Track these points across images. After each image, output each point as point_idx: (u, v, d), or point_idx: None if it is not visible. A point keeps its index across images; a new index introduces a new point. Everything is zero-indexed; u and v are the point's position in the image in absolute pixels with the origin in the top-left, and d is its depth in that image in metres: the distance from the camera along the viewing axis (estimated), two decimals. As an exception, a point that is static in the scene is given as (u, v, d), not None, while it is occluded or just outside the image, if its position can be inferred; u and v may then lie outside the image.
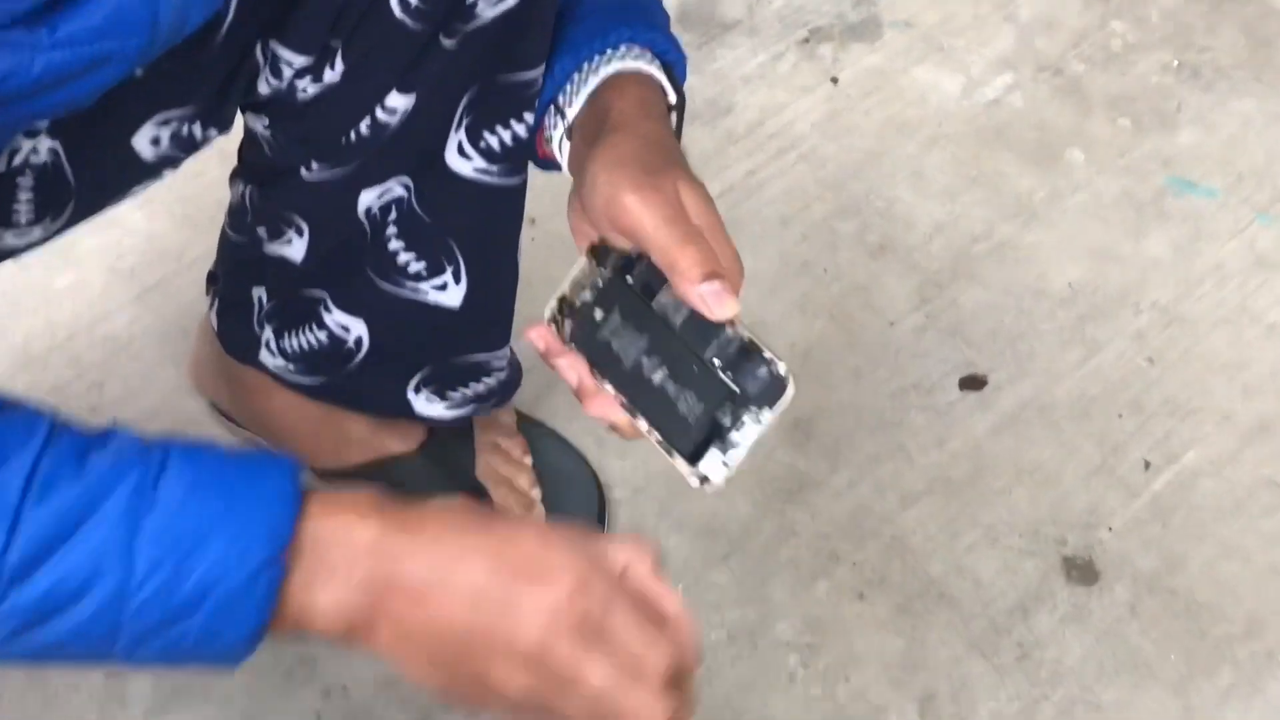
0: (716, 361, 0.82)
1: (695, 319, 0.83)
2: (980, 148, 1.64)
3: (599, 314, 0.87)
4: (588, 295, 0.88)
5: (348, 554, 0.73)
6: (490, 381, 1.18)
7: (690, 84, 1.66)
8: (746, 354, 0.82)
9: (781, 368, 0.81)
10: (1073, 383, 1.46)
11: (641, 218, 0.83)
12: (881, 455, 1.39)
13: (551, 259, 1.46)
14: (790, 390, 0.80)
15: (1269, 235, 1.58)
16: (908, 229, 1.56)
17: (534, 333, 0.88)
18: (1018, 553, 1.34)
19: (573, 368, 0.87)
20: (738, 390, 0.81)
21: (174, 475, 0.72)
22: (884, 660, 1.26)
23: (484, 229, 1.09)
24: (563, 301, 0.89)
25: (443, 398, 1.17)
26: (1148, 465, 1.41)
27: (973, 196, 1.59)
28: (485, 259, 1.10)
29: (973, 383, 1.45)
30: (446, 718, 1.18)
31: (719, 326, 0.82)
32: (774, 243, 1.54)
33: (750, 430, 0.81)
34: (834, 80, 1.67)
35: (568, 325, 0.88)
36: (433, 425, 1.21)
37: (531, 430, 1.30)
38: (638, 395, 0.85)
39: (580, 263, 0.89)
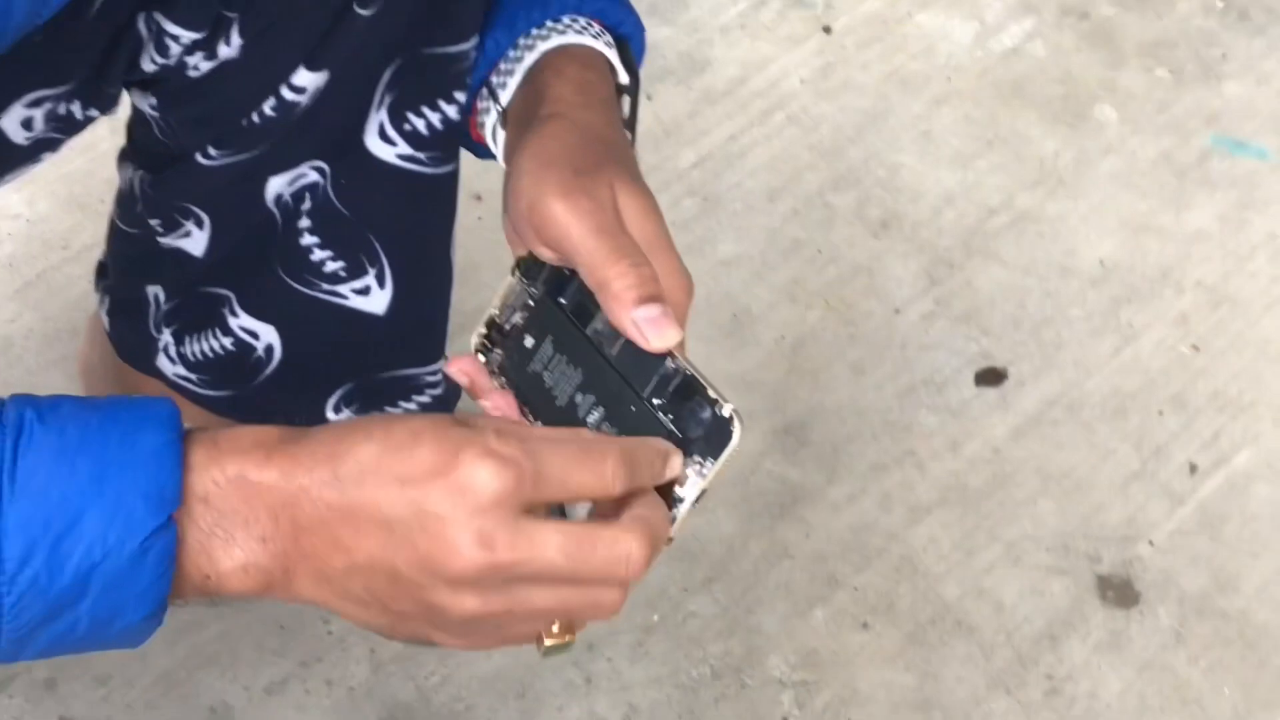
0: (655, 401, 0.81)
1: (633, 349, 0.82)
2: (997, 105, 1.63)
3: (529, 341, 0.87)
4: (518, 319, 0.87)
5: (245, 507, 0.74)
6: (423, 399, 1.18)
7: (661, 36, 1.66)
8: (688, 392, 0.81)
9: (726, 409, 0.80)
10: (1106, 375, 1.46)
11: (568, 228, 0.82)
12: (886, 463, 1.39)
13: (500, 242, 1.43)
14: (736, 436, 0.79)
15: (1330, 201, 1.59)
16: (914, 201, 1.56)
17: (455, 366, 0.87)
18: (1045, 572, 1.34)
19: (499, 408, 0.86)
20: (678, 434, 0.81)
21: (35, 447, 0.71)
22: (892, 699, 1.26)
23: (411, 225, 1.08)
24: (491, 325, 0.88)
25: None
26: (1194, 469, 1.40)
27: (988, 162, 1.59)
28: (413, 260, 1.10)
29: (991, 377, 1.45)
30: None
31: (659, 359, 0.82)
32: (760, 219, 1.53)
33: (694, 484, 0.80)
34: (827, 29, 1.67)
35: (496, 355, 0.88)
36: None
37: None
38: None
39: (508, 279, 0.88)
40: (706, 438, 0.80)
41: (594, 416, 0.83)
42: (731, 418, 0.79)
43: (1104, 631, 1.31)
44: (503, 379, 0.87)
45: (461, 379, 0.87)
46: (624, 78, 0.94)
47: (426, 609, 0.75)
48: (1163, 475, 1.40)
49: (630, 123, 0.95)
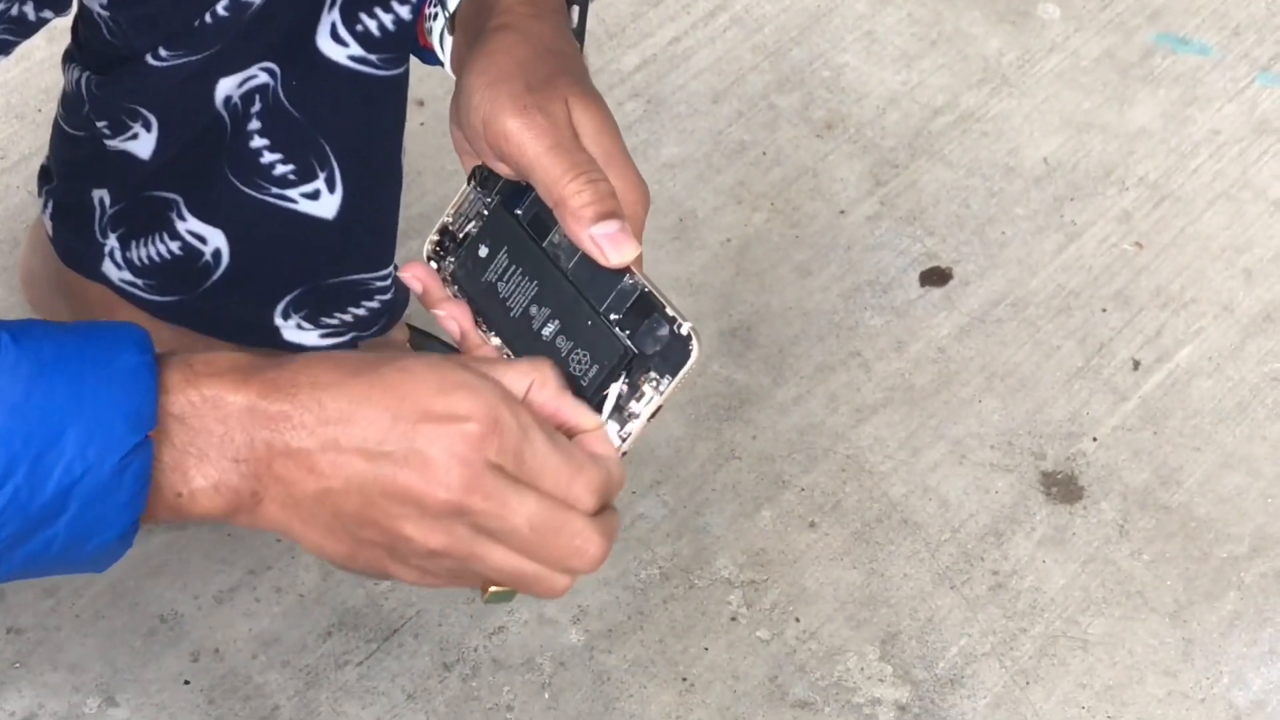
0: (612, 317, 0.82)
1: (589, 264, 0.83)
2: (940, 4, 1.64)
3: (483, 251, 0.87)
4: (472, 228, 0.88)
5: (220, 427, 0.75)
6: (372, 304, 1.19)
7: (600, -63, 1.65)
8: (646, 308, 0.82)
9: (685, 327, 0.81)
10: (1050, 273, 1.47)
11: (523, 145, 0.83)
12: (832, 364, 1.40)
13: (443, 147, 1.45)
14: (694, 355, 0.81)
15: (1272, 97, 1.60)
16: (858, 102, 1.57)
17: (409, 272, 0.88)
18: (989, 469, 1.36)
19: (453, 317, 0.87)
20: (635, 351, 0.82)
21: (9, 367, 0.72)
22: (839, 597, 1.28)
23: (362, 128, 1.08)
24: (444, 234, 0.89)
25: (316, 324, 1.18)
26: (1137, 365, 1.43)
27: (932, 61, 1.60)
28: (363, 164, 1.10)
29: (936, 277, 1.46)
30: (334, 675, 1.19)
31: (616, 274, 0.82)
32: (704, 121, 1.54)
33: (650, 401, 0.81)
34: (769, -70, 1.67)
35: (449, 263, 0.89)
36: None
37: (430, 349, 1.30)
38: (525, 351, 0.85)
39: (463, 188, 0.88)
40: (663, 354, 0.81)
41: (549, 329, 0.84)
42: (690, 336, 0.80)
43: (1048, 527, 1.32)
44: (455, 287, 0.88)
45: (414, 284, 0.88)
46: None
47: (392, 539, 0.76)
48: (1106, 372, 1.42)
49: (579, 31, 0.95)
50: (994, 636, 1.27)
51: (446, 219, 0.89)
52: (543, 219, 0.85)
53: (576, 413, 0.81)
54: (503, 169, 0.86)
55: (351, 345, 1.22)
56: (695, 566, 1.28)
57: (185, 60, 1.02)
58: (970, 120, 1.56)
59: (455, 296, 0.88)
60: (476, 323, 0.87)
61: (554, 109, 0.84)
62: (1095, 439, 1.38)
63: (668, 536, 1.29)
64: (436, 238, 0.89)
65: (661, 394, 0.81)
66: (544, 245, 0.85)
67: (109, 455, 0.72)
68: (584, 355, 0.83)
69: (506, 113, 0.84)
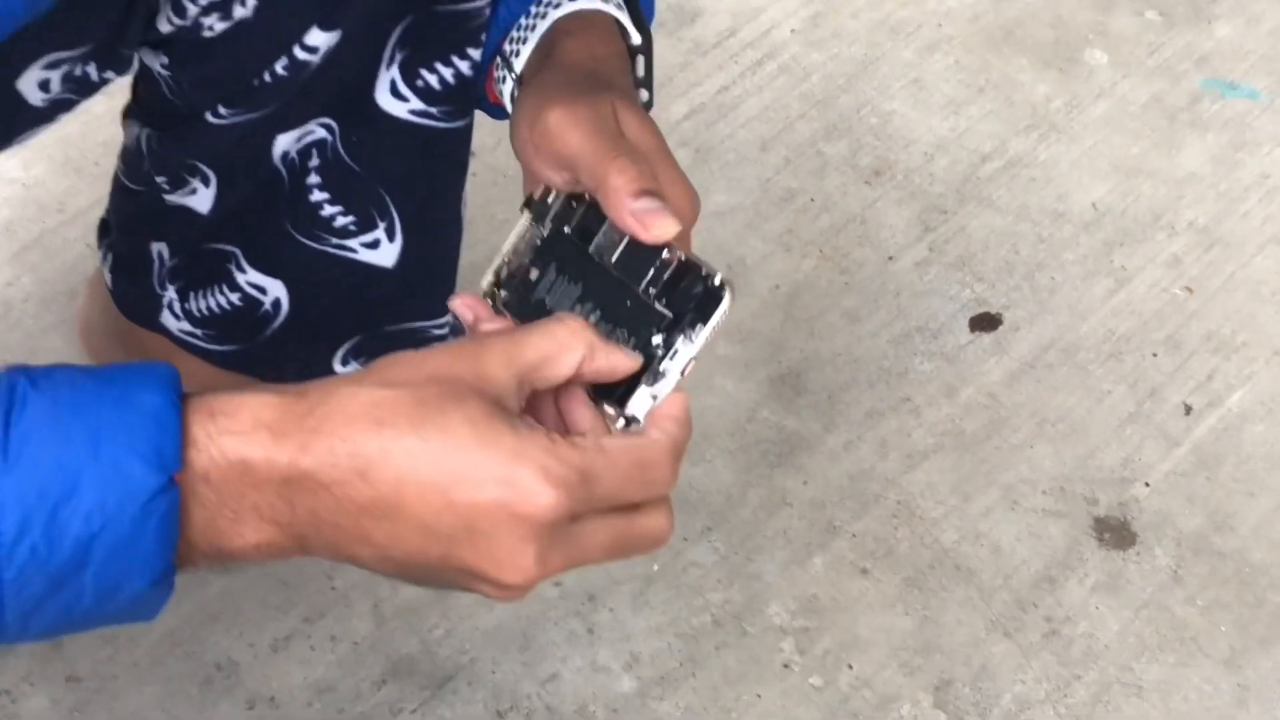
0: (651, 291, 0.83)
1: (632, 250, 0.84)
2: (988, 51, 1.65)
3: (535, 274, 0.88)
4: (526, 258, 0.89)
5: (254, 493, 0.72)
6: None
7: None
8: (681, 275, 0.83)
9: (716, 278, 0.81)
10: (1100, 318, 1.48)
11: (565, 134, 0.84)
12: (883, 410, 1.41)
13: (494, 197, 1.47)
14: (726, 300, 0.81)
15: (1322, 141, 1.61)
16: (906, 148, 1.58)
17: (460, 300, 0.86)
18: (1042, 515, 1.36)
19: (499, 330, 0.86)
20: (669, 315, 0.82)
21: (28, 414, 0.69)
22: (892, 644, 1.28)
23: (422, 179, 1.09)
24: (499, 273, 0.90)
25: None
26: (1188, 410, 1.43)
27: (980, 108, 1.61)
28: (423, 213, 1.11)
29: (985, 323, 1.47)
30: (392, 726, 1.20)
31: (654, 253, 0.83)
32: (752, 169, 1.55)
33: (682, 353, 0.81)
34: (816, -22, 1.68)
35: (502, 295, 0.89)
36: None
37: None
38: None
39: (519, 223, 0.90)
40: (698, 308, 0.81)
41: (591, 320, 0.84)
42: (723, 284, 0.81)
43: (1101, 573, 1.32)
44: (506, 314, 0.88)
45: (465, 313, 0.87)
46: (636, 38, 0.95)
47: (464, 587, 0.75)
48: (1158, 417, 1.42)
49: (646, 81, 0.96)
50: (1048, 683, 1.27)
51: (504, 259, 0.90)
52: (588, 225, 0.86)
53: (626, 361, 0.79)
54: (551, 177, 0.87)
55: None
56: (747, 613, 1.28)
57: (244, 118, 1.04)
58: (1019, 166, 1.57)
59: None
60: None
61: (599, 105, 0.85)
62: (1148, 484, 1.38)
63: (719, 583, 1.30)
64: (492, 278, 0.90)
65: (694, 344, 0.81)
66: (590, 249, 0.86)
67: (130, 502, 0.70)
68: (624, 333, 0.83)
69: (550, 108, 0.85)
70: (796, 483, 1.36)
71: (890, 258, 1.50)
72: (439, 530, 0.72)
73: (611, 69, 0.92)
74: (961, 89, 1.62)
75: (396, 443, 0.72)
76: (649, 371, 0.82)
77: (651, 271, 0.83)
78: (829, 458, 1.37)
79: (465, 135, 1.09)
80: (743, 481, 1.35)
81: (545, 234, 0.88)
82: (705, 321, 0.81)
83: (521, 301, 0.88)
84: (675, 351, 0.82)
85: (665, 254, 0.83)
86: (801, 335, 1.44)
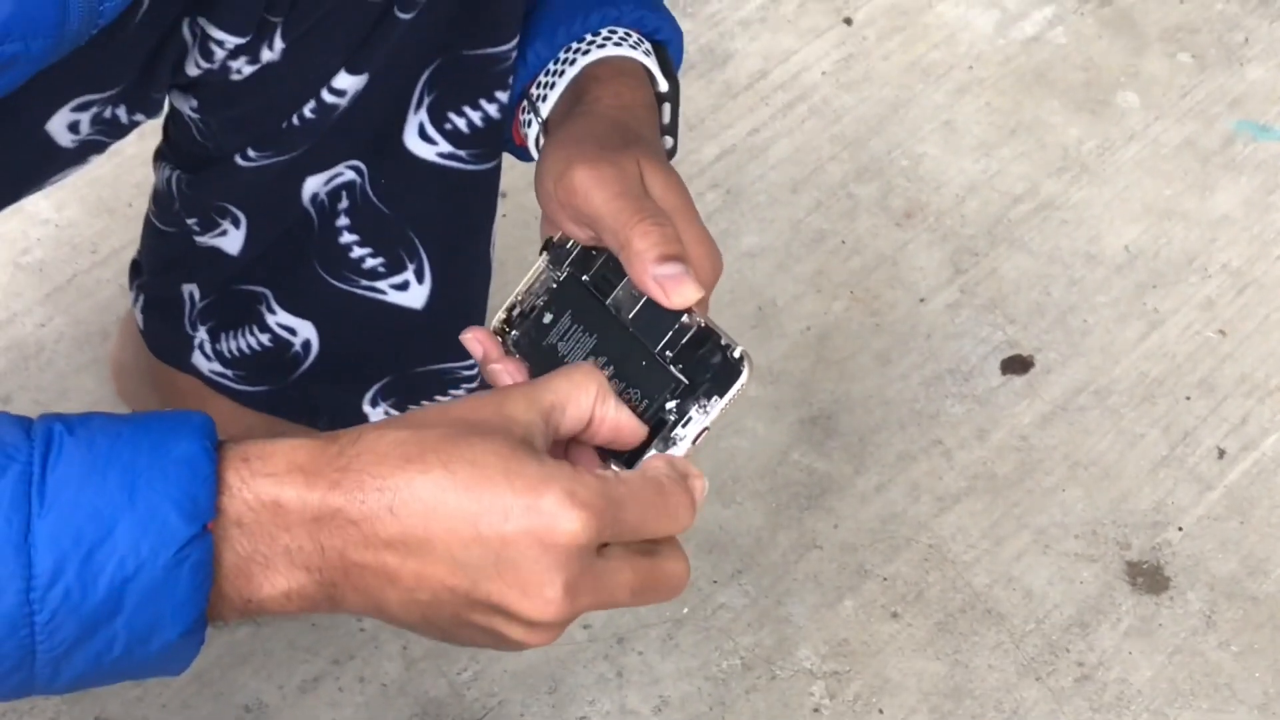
0: (667, 354, 0.84)
1: (650, 310, 0.84)
2: (1019, 93, 1.66)
3: (548, 318, 0.89)
4: (540, 300, 0.90)
5: (285, 535, 0.73)
6: (459, 393, 1.20)
7: (682, 30, 1.68)
8: (700, 341, 0.83)
9: (736, 350, 0.82)
10: (1133, 361, 1.48)
11: (589, 193, 0.84)
12: (914, 452, 1.41)
13: (524, 239, 1.48)
14: (745, 374, 0.81)
15: (1356, 184, 1.60)
16: (937, 190, 1.58)
17: (471, 334, 0.87)
18: (1074, 559, 1.36)
19: (509, 373, 0.87)
20: (685, 381, 0.83)
21: (65, 460, 0.70)
22: (923, 688, 1.28)
23: (451, 220, 1.10)
24: (512, 310, 0.91)
25: (403, 411, 1.18)
26: (1222, 454, 1.43)
27: (1012, 150, 1.61)
28: (453, 254, 1.12)
29: (1017, 365, 1.47)
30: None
31: (674, 317, 0.84)
32: (783, 211, 1.55)
33: (696, 422, 0.82)
34: (848, 21, 1.69)
35: (513, 335, 0.90)
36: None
37: None
38: None
39: (537, 264, 0.90)
40: (715, 379, 0.82)
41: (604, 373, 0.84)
42: (742, 358, 0.81)
43: (1134, 618, 1.32)
44: (517, 355, 0.89)
45: (475, 348, 0.87)
46: (663, 85, 0.96)
47: (492, 637, 0.76)
48: (1191, 460, 1.42)
49: (672, 128, 0.97)
50: (1080, 728, 1.27)
51: (517, 298, 0.90)
52: (607, 277, 0.87)
53: (632, 422, 0.81)
54: (574, 230, 0.87)
55: None
56: (777, 657, 1.28)
57: (273, 160, 1.04)
58: (1050, 208, 1.57)
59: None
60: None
61: (625, 165, 0.86)
62: (1181, 528, 1.38)
63: (749, 626, 1.30)
64: (504, 315, 0.91)
65: (708, 414, 0.82)
66: (607, 302, 0.86)
67: (164, 549, 0.70)
68: (636, 393, 0.84)
69: (576, 165, 0.85)
70: (827, 525, 1.36)
71: (921, 300, 1.50)
72: (467, 563, 0.73)
73: (639, 119, 0.92)
74: (993, 131, 1.62)
75: (424, 476, 0.73)
76: (660, 437, 0.83)
77: (669, 334, 0.84)
78: (860, 500, 1.37)
79: (494, 177, 1.10)
80: (773, 524, 1.36)
81: (561, 278, 0.89)
82: (722, 394, 0.82)
83: (533, 344, 0.89)
84: (689, 419, 0.82)
85: (685, 318, 0.84)
86: (832, 377, 1.45)
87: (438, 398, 1.19)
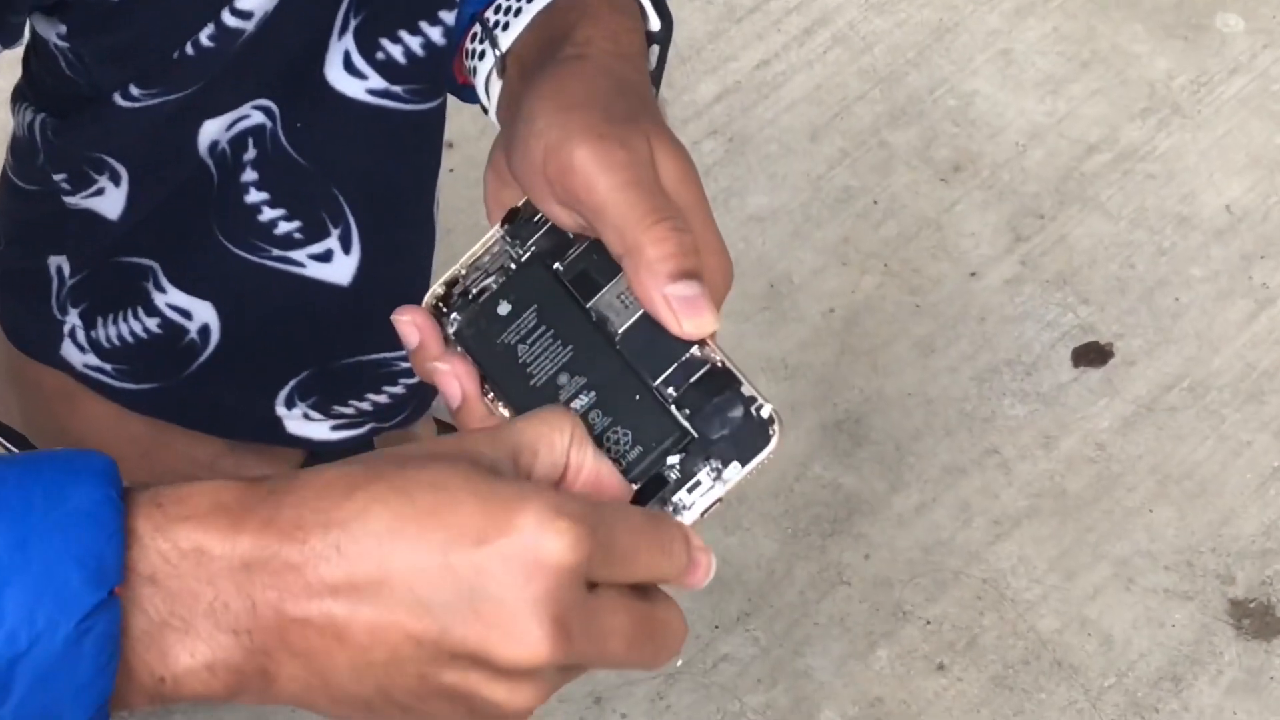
0: (670, 391, 0.83)
1: (648, 329, 0.84)
2: (1094, 16, 1.66)
3: (504, 308, 0.88)
4: (492, 282, 0.89)
5: (209, 589, 0.73)
6: (396, 390, 1.20)
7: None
8: (716, 385, 0.83)
9: (766, 409, 0.81)
10: (1236, 350, 1.48)
11: (593, 179, 0.84)
12: (963, 464, 1.41)
13: (476, 199, 1.45)
14: (774, 441, 0.81)
15: None
16: (992, 138, 1.58)
17: (407, 315, 0.87)
18: (1164, 596, 1.36)
19: (456, 376, 0.86)
20: (694, 435, 0.82)
21: None
22: (976, 758, 1.29)
23: (383, 175, 1.10)
24: (452, 286, 0.90)
25: (326, 414, 1.19)
26: (1348, 465, 1.43)
27: (1084, 87, 1.62)
28: (386, 218, 1.12)
29: (1093, 355, 1.48)
30: None
31: (681, 346, 0.83)
32: (800, 164, 1.55)
33: (707, 490, 0.82)
34: (879, -75, 1.69)
35: (453, 319, 0.89)
36: (315, 451, 1.23)
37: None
38: None
39: (490, 234, 0.90)
40: (732, 439, 0.82)
41: (580, 402, 0.84)
42: (771, 419, 0.81)
43: (1239, 669, 1.33)
44: (459, 348, 0.88)
45: (410, 333, 0.87)
46: (654, 23, 0.96)
47: (466, 709, 0.75)
48: (1309, 473, 1.43)
49: (656, 74, 0.96)
50: (1172, 807, 1.28)
51: (460, 271, 0.90)
52: (590, 275, 0.86)
53: (614, 477, 0.81)
54: (560, 216, 0.87)
55: (369, 439, 1.24)
56: (796, 719, 1.29)
57: (161, 100, 1.04)
58: (1133, 159, 1.58)
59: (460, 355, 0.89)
60: (484, 388, 0.87)
61: (636, 144, 0.85)
62: (1297, 558, 1.39)
63: (759, 683, 1.30)
64: (441, 291, 0.90)
65: (725, 484, 0.81)
66: (587, 306, 0.86)
67: (63, 619, 0.70)
68: (624, 435, 0.83)
69: (577, 139, 0.84)
70: (856, 556, 1.36)
71: (973, 274, 1.51)
72: (434, 604, 0.73)
73: (640, 71, 0.92)
74: (1061, 63, 1.63)
75: (377, 504, 0.74)
76: (658, 498, 0.82)
77: (674, 367, 0.83)
78: (897, 524, 1.38)
79: (437, 121, 1.09)
80: (788, 554, 1.36)
81: (523, 259, 0.89)
82: (744, 461, 0.82)
83: (483, 339, 0.88)
84: (697, 483, 0.82)
85: (696, 350, 0.83)
86: (862, 371, 1.45)
87: (370, 396, 1.19)
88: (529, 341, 0.87)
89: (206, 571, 0.73)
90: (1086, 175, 1.57)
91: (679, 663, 1.30)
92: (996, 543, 1.38)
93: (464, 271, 0.90)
